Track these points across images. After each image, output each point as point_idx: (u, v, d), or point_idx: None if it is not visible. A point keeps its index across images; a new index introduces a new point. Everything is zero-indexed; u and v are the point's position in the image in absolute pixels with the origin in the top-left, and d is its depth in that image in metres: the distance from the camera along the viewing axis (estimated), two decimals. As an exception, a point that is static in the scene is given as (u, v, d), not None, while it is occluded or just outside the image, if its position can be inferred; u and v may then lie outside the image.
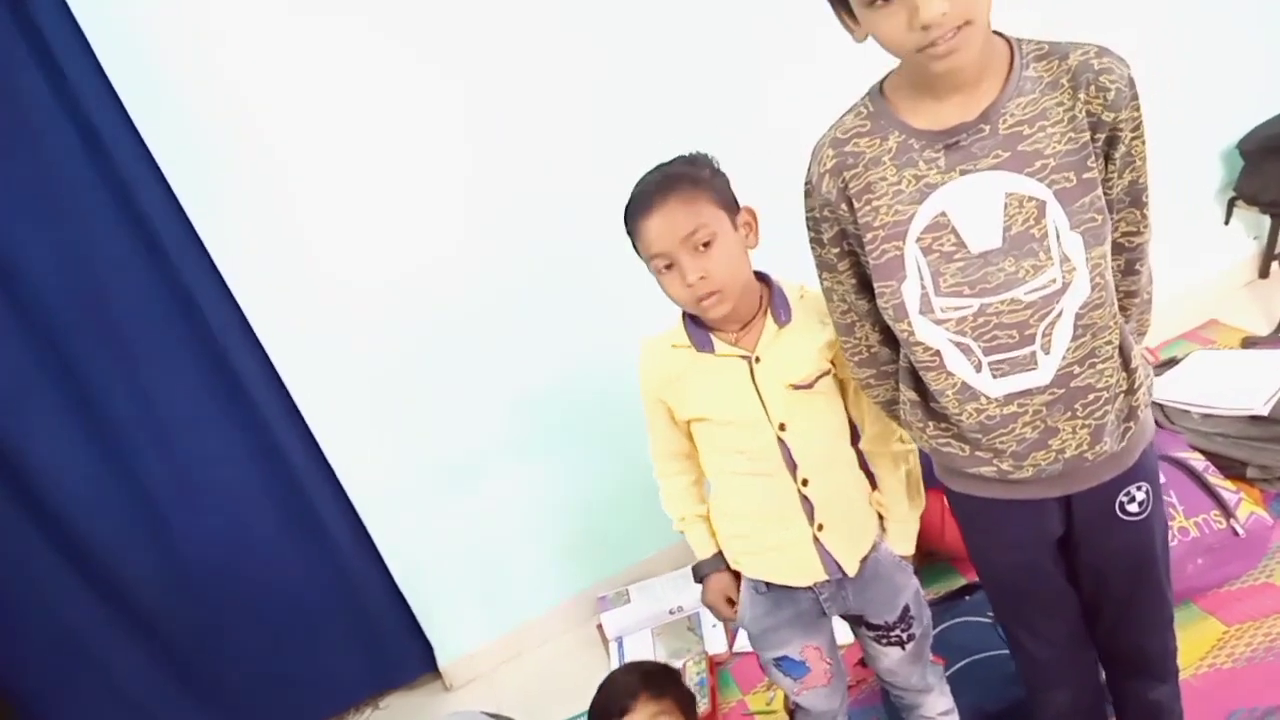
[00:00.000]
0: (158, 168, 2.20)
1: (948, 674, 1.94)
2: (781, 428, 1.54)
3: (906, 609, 1.71)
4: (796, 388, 1.53)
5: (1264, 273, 3.18)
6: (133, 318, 2.30)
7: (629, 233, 1.51)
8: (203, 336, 2.36)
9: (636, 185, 1.52)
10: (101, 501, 2.41)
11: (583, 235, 2.38)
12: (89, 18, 2.05)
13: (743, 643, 2.47)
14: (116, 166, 2.18)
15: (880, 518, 1.67)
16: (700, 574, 1.76)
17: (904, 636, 1.72)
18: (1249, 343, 2.91)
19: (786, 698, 1.88)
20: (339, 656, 2.67)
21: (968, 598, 2.25)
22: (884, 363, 1.47)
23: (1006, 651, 2.02)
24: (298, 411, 2.46)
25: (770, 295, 1.55)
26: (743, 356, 1.54)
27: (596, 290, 2.48)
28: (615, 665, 2.57)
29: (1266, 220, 3.08)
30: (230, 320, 2.35)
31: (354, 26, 2.21)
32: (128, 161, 2.18)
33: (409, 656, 2.74)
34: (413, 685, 2.79)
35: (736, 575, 1.71)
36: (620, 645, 2.63)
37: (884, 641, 1.73)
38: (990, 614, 2.12)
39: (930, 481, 1.63)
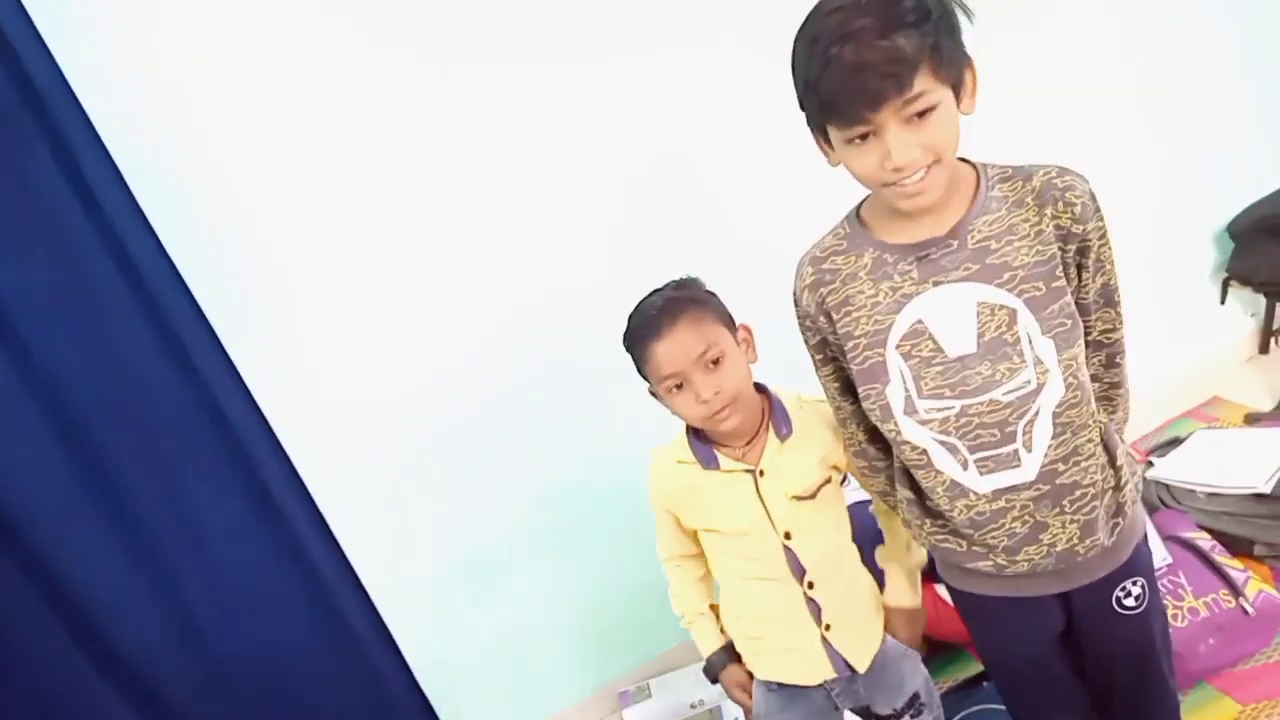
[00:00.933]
0: (185, 286, 2.32)
1: (965, 765, 1.96)
2: (787, 536, 1.61)
3: (915, 696, 1.74)
4: (800, 499, 1.60)
5: (1264, 348, 3.24)
6: (166, 429, 2.40)
7: (635, 357, 1.59)
8: (232, 448, 2.45)
9: (636, 312, 1.60)
10: (137, 609, 2.47)
11: (598, 331, 2.44)
12: (120, 149, 2.20)
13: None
14: (147, 285, 2.30)
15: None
16: (713, 671, 1.80)
17: None
18: (1252, 419, 2.95)
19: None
20: (363, 754, 2.69)
21: (985, 684, 2.27)
22: (874, 458, 1.54)
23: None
24: (322, 518, 2.54)
25: (770, 408, 1.63)
26: (747, 470, 1.60)
27: (613, 386, 2.51)
28: (637, 761, 2.58)
29: (1262, 298, 3.15)
30: (258, 434, 2.44)
31: (363, 143, 2.34)
32: (157, 279, 2.30)
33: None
34: (436, 780, 2.80)
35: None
36: (642, 742, 2.64)
37: None
38: (1006, 702, 2.14)
39: (928, 574, 1.68)
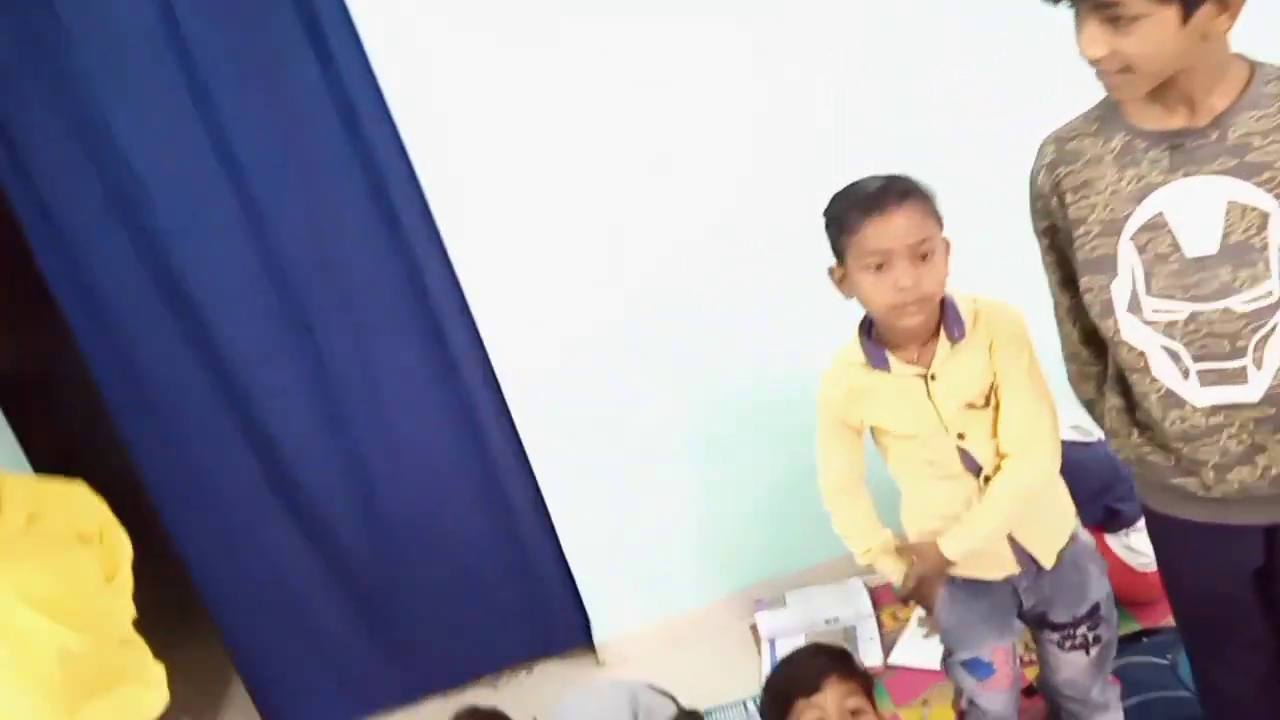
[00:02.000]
0: (405, 153, 2.44)
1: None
2: (960, 436, 1.60)
3: (1096, 607, 1.71)
4: (971, 407, 1.59)
5: None
6: (366, 286, 2.56)
7: (839, 229, 1.54)
8: (425, 314, 2.60)
9: (852, 187, 1.56)
10: (319, 451, 2.68)
11: (773, 251, 2.54)
12: (361, 10, 2.32)
13: (898, 657, 2.48)
14: (369, 146, 2.44)
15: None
16: (902, 599, 1.83)
17: (1090, 638, 1.72)
18: None
19: (956, 700, 1.88)
20: (504, 617, 2.84)
21: (1145, 639, 2.20)
22: (1085, 361, 1.50)
23: (1183, 694, 1.96)
24: (500, 392, 2.66)
25: (944, 311, 1.58)
26: (919, 374, 1.58)
27: (792, 299, 2.57)
28: (767, 666, 2.62)
29: None
30: (452, 301, 2.57)
31: (608, 31, 2.39)
32: (379, 142, 2.44)
33: (567, 627, 2.87)
34: (566, 655, 2.92)
35: None
36: (773, 647, 2.67)
37: (1068, 644, 1.72)
38: (1168, 656, 2.06)
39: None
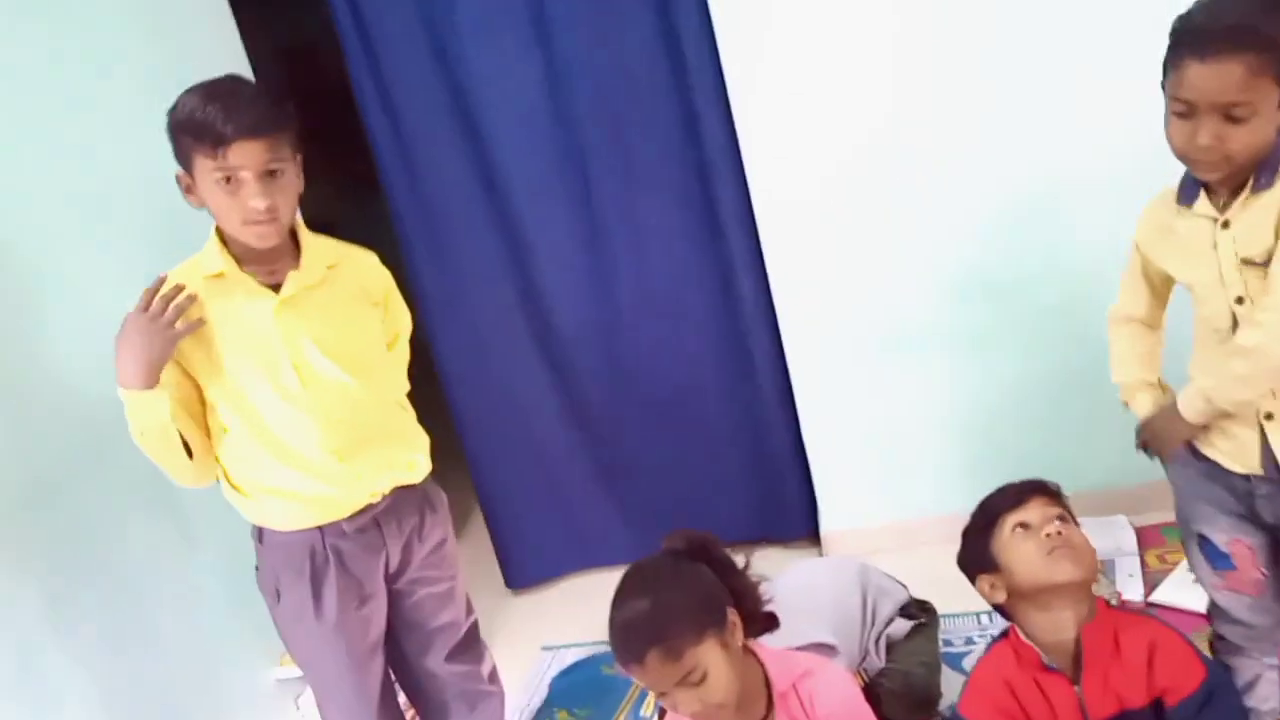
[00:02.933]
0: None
1: None
2: (1238, 301, 1.41)
3: None
4: (1249, 264, 1.38)
5: None
6: (643, 130, 2.59)
7: (1168, 61, 1.38)
8: (699, 165, 2.59)
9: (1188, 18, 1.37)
10: (574, 286, 2.76)
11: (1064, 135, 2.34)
12: None
13: (1160, 595, 2.27)
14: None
15: None
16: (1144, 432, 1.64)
17: None
18: None
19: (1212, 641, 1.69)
20: (734, 493, 2.84)
21: None
22: None
23: None
24: (761, 255, 2.62)
25: (1265, 153, 1.37)
26: (1212, 218, 1.42)
27: (1091, 188, 2.36)
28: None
29: None
30: (726, 155, 2.55)
31: None
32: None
33: (796, 515, 2.84)
34: (790, 543, 2.88)
35: None
36: (1013, 567, 2.51)
37: None
38: None
39: None
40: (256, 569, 1.73)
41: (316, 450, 1.62)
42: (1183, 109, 1.35)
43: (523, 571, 3.04)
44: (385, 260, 1.82)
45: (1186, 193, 1.47)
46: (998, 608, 1.58)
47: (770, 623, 1.55)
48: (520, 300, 2.81)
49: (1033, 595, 1.47)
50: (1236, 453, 1.49)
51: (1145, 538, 2.46)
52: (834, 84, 2.44)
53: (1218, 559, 1.59)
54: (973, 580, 1.59)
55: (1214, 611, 1.67)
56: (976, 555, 1.56)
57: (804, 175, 2.52)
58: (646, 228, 2.69)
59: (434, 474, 1.84)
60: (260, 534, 1.69)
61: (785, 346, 2.68)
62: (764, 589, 1.56)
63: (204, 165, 1.48)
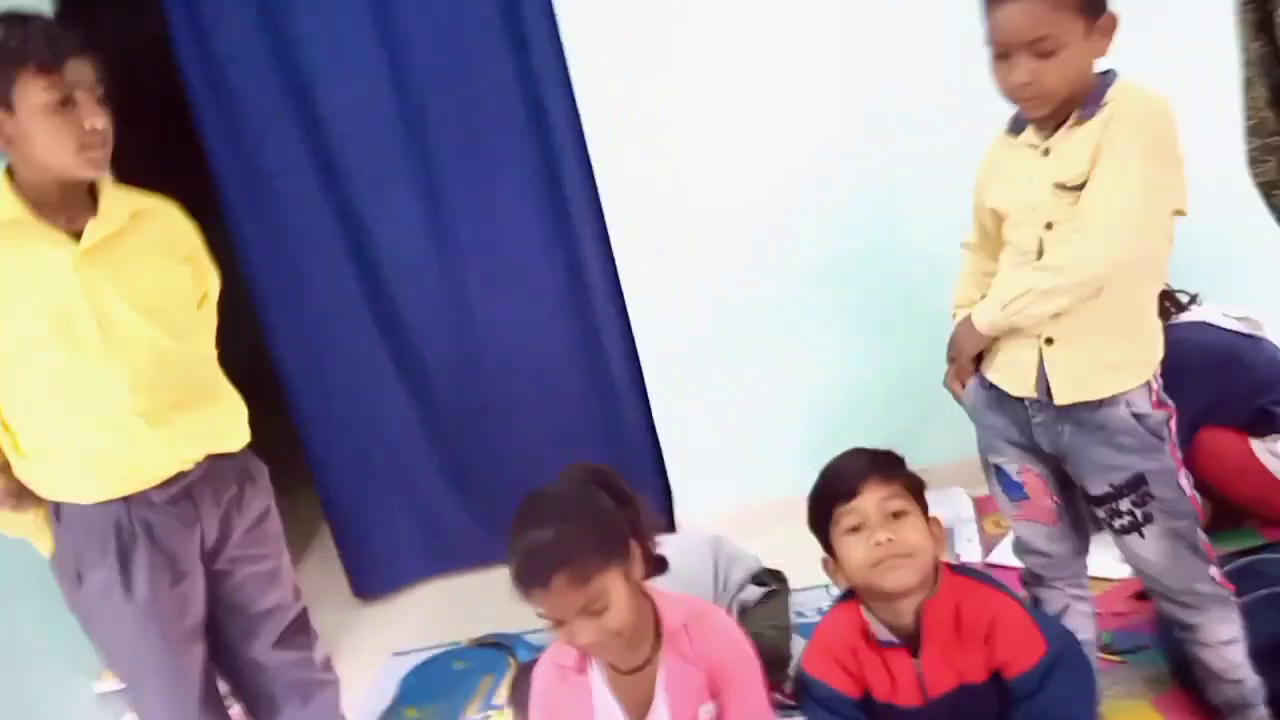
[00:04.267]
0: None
1: (1243, 600, 1.71)
2: (1047, 226, 1.46)
3: (1140, 480, 1.50)
4: (1064, 188, 1.44)
5: None
6: (490, 111, 2.55)
7: (981, 7, 1.44)
8: (546, 151, 2.58)
9: None
10: (422, 268, 2.69)
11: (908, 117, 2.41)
12: None
13: (997, 556, 2.34)
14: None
15: None
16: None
17: (1138, 516, 1.52)
18: None
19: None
20: (589, 485, 2.79)
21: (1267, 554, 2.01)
22: (1272, 131, 1.35)
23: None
24: (608, 239, 2.62)
25: (1088, 90, 1.44)
26: (1034, 146, 1.48)
27: (917, 171, 2.46)
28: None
29: None
30: (572, 144, 2.55)
31: None
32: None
33: (650, 500, 2.79)
34: (647, 532, 2.85)
35: None
36: (862, 541, 2.55)
37: (1116, 523, 1.54)
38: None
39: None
40: (53, 553, 1.58)
41: (122, 411, 1.50)
42: (999, 50, 1.42)
43: (372, 579, 2.91)
44: (216, 251, 1.73)
45: (1016, 124, 1.53)
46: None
47: (661, 565, 1.51)
48: (363, 292, 2.71)
49: (867, 591, 1.47)
50: (1017, 377, 1.54)
51: (983, 505, 2.55)
52: (677, 62, 2.48)
53: (1012, 488, 1.64)
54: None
55: (1016, 546, 1.73)
56: (819, 535, 1.54)
57: (649, 157, 2.54)
58: (492, 213, 2.65)
59: (275, 487, 1.74)
60: (58, 510, 1.54)
61: (635, 333, 2.68)
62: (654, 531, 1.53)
63: (32, 89, 1.38)
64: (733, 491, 2.77)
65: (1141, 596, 2.05)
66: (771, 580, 2.15)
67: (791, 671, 2.02)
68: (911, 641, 1.45)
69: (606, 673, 1.43)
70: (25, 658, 2.04)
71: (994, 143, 1.61)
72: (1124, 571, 2.11)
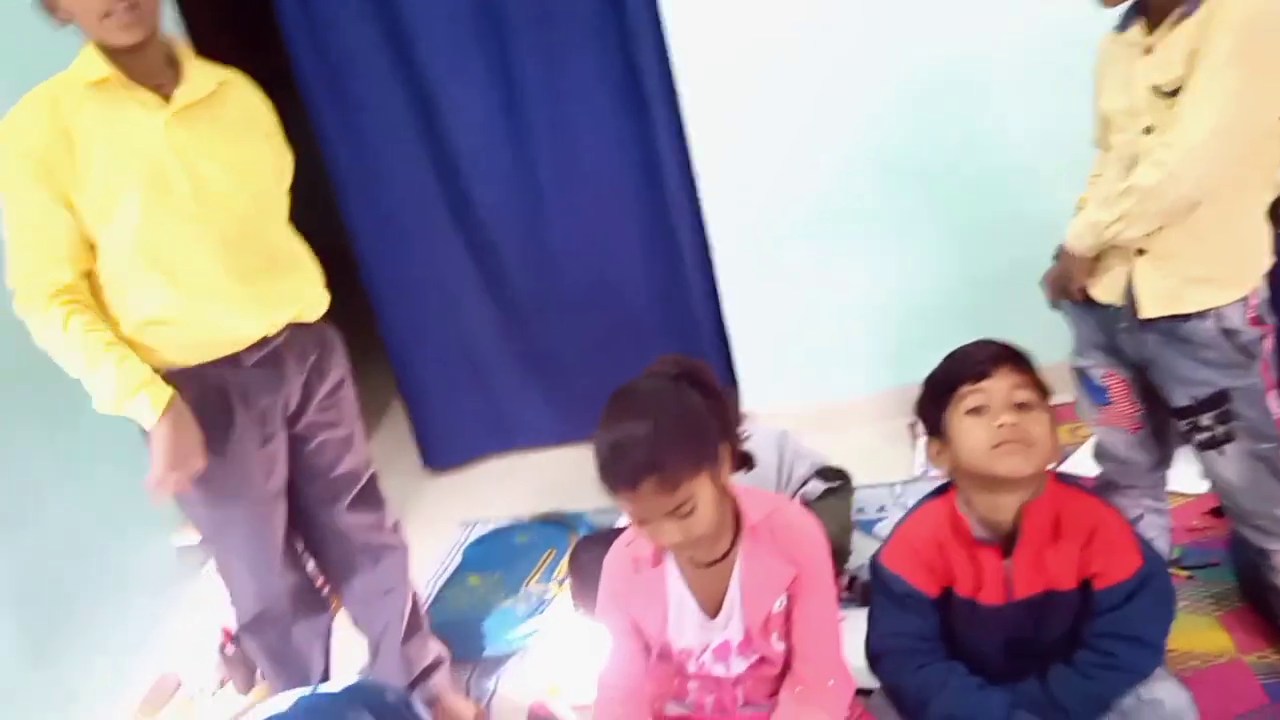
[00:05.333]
0: None
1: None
2: (1146, 130, 1.40)
3: (1223, 396, 1.46)
4: (1159, 93, 1.37)
5: None
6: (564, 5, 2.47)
7: None
8: (621, 31, 2.49)
9: None
10: (497, 159, 2.66)
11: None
12: None
13: (1067, 466, 2.29)
14: None
15: None
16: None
17: (1219, 434, 1.48)
18: None
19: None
20: (655, 373, 2.79)
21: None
22: None
23: None
24: (683, 129, 2.55)
25: None
26: (1137, 44, 1.42)
27: (1013, 70, 2.33)
28: (921, 462, 2.49)
29: None
30: (648, 21, 2.44)
31: None
32: None
33: (723, 395, 2.81)
34: (713, 424, 2.86)
35: None
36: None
37: (1196, 438, 1.51)
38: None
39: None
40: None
41: (214, 271, 1.53)
42: None
43: (441, 452, 2.99)
44: (296, 141, 1.74)
45: (1124, 20, 1.45)
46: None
47: (746, 462, 1.46)
48: (437, 175, 2.71)
49: (976, 477, 1.38)
50: (1107, 284, 1.51)
51: (1059, 415, 2.48)
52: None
53: (1095, 392, 1.63)
54: (926, 432, 1.48)
55: (1097, 451, 1.70)
56: (929, 417, 1.46)
57: (730, 45, 2.45)
58: (566, 99, 2.60)
59: (351, 357, 1.77)
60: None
61: (707, 226, 2.63)
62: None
63: None
64: (799, 390, 2.75)
65: (1216, 513, 2.01)
66: (835, 477, 2.15)
67: (849, 567, 2.04)
68: (1005, 541, 1.40)
69: (682, 565, 1.42)
70: (110, 513, 2.14)
71: (1103, 39, 1.52)
72: (1200, 487, 2.08)
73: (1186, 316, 1.44)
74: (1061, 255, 1.58)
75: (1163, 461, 1.67)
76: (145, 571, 2.21)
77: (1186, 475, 1.87)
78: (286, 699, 1.44)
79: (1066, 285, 1.58)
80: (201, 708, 2.14)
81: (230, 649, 2.09)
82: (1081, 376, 1.63)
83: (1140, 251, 1.44)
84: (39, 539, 1.94)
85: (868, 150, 2.50)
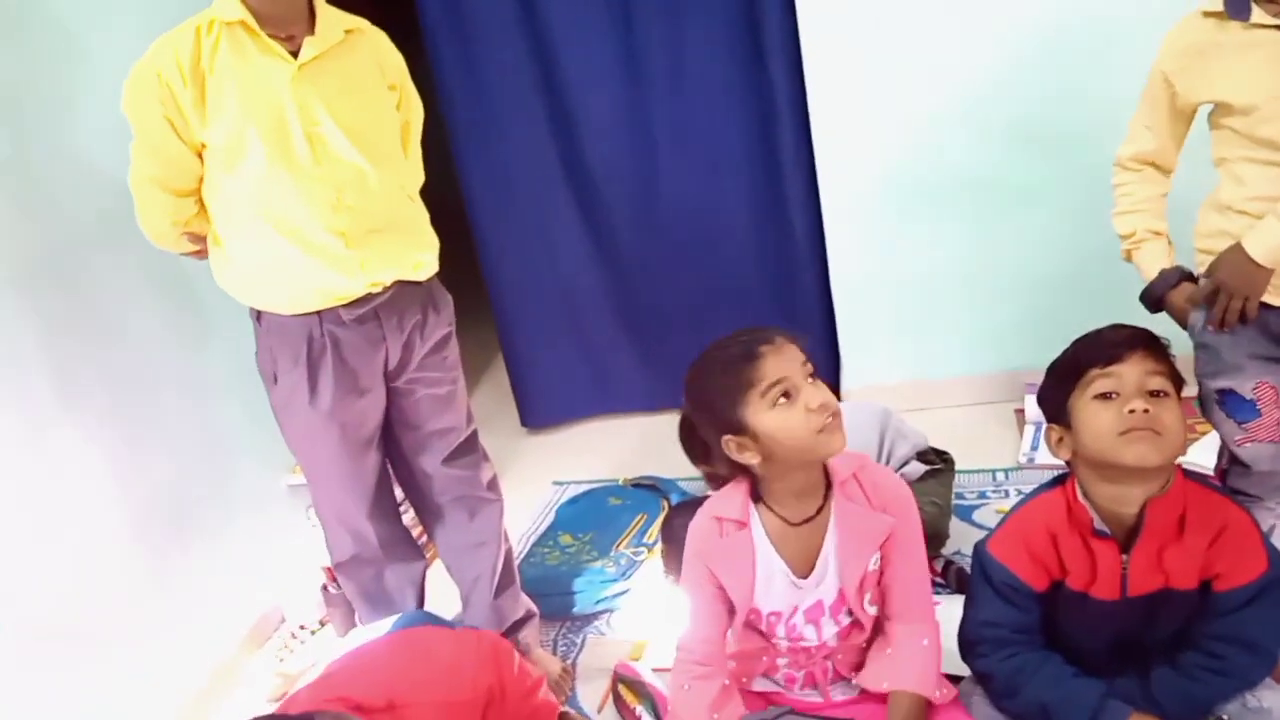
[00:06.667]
0: None
1: None
2: None
3: None
4: None
5: None
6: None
7: None
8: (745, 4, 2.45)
9: None
10: (612, 117, 2.66)
11: None
12: None
13: (1185, 459, 2.19)
14: None
15: None
16: (1158, 290, 1.56)
17: None
18: None
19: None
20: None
21: None
22: None
23: None
24: (804, 93, 2.49)
25: None
26: (1272, 27, 1.33)
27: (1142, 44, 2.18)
28: (1027, 448, 2.40)
29: None
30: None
31: None
32: None
33: (817, 366, 2.76)
34: (811, 397, 2.83)
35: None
36: (1038, 431, 2.44)
37: None
38: None
39: None
40: (255, 352, 1.71)
41: (322, 230, 1.57)
42: None
43: (539, 411, 3.03)
44: (417, 86, 1.75)
45: (1235, 6, 1.36)
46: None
47: None
48: (553, 132, 2.72)
49: (1100, 466, 1.32)
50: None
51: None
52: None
53: (1242, 410, 1.52)
54: (1047, 418, 1.41)
55: (1234, 469, 1.59)
56: (1052, 402, 1.38)
57: (854, 10, 2.38)
58: (687, 59, 2.57)
59: (457, 313, 1.80)
60: (259, 316, 1.66)
61: (821, 196, 2.57)
62: None
63: None
64: (905, 366, 2.69)
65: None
66: (936, 459, 2.09)
67: (945, 552, 1.99)
68: (1123, 536, 1.33)
69: (770, 526, 1.42)
70: (227, 451, 2.24)
71: (1185, 29, 1.46)
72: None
73: None
74: (1231, 274, 1.43)
75: None
76: (254, 504, 2.31)
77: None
78: (385, 623, 1.50)
79: (1242, 307, 1.43)
80: (303, 645, 2.23)
81: (332, 588, 2.16)
82: (1225, 396, 1.52)
83: None
84: (158, 446, 2.04)
85: (991, 118, 2.41)
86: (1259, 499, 1.57)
